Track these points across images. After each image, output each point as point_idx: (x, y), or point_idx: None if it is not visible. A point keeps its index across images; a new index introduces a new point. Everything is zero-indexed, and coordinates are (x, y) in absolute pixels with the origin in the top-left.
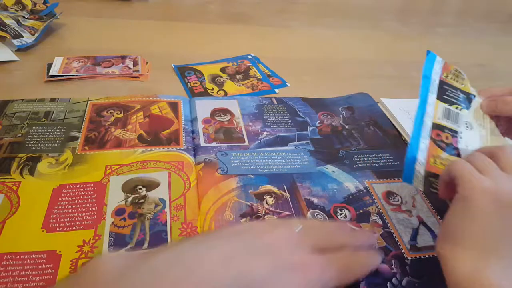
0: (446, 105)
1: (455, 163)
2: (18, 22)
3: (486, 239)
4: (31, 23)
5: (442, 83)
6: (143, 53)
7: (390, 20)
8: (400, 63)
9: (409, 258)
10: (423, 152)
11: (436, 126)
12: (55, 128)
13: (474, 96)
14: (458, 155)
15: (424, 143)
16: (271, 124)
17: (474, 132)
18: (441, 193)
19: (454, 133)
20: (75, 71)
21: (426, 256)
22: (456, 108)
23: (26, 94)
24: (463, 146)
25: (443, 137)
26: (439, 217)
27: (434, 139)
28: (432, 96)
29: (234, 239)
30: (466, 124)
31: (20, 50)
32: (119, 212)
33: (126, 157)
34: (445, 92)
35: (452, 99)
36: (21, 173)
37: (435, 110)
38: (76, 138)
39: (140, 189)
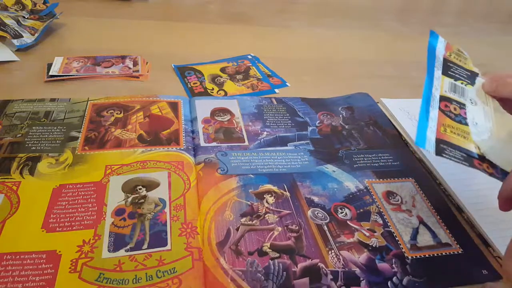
0: (451, 80)
1: None
2: (18, 22)
3: None
4: (31, 23)
5: (446, 61)
6: (143, 53)
7: (390, 20)
8: (400, 63)
9: (410, 257)
10: (433, 120)
11: (444, 98)
12: (55, 128)
13: (478, 74)
14: (466, 124)
15: (434, 113)
16: (271, 124)
17: (478, 108)
18: (502, 207)
19: (461, 105)
20: (75, 71)
21: (427, 255)
22: (462, 83)
23: (26, 94)
24: (470, 118)
25: (451, 108)
26: (438, 216)
27: (442, 110)
28: (438, 71)
29: None
30: (470, 100)
31: (20, 50)
32: (119, 212)
33: (126, 157)
34: (449, 69)
35: (457, 75)
36: (21, 173)
37: (441, 84)
38: (76, 138)
39: (140, 189)
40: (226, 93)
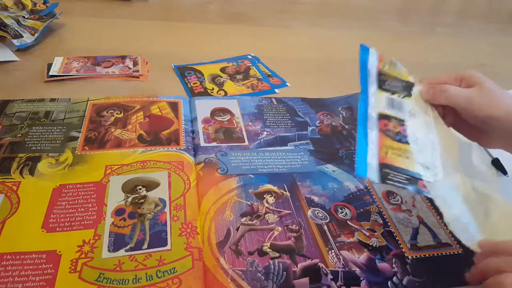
0: (388, 94)
1: (490, 263)
2: (18, 22)
3: None
4: (31, 23)
5: (379, 74)
6: (143, 53)
7: (390, 20)
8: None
9: (410, 257)
10: (373, 143)
11: (382, 116)
12: (55, 128)
13: (414, 84)
14: (407, 143)
15: (373, 135)
16: (271, 124)
17: (418, 120)
18: (471, 281)
19: (401, 121)
20: (75, 71)
21: (427, 255)
22: (399, 96)
23: (26, 94)
24: (411, 135)
25: (391, 126)
26: (439, 217)
27: (382, 130)
28: (373, 87)
29: None
30: (409, 112)
31: (20, 50)
32: (119, 212)
33: (126, 157)
34: (384, 82)
35: (393, 88)
36: (21, 173)
37: (377, 101)
38: (76, 138)
39: (140, 189)
40: (226, 93)
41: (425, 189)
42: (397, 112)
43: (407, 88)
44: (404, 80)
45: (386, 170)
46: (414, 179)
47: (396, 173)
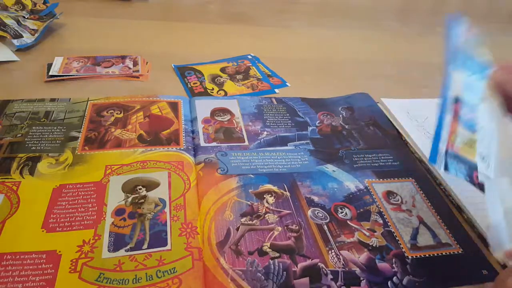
0: (466, 74)
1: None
2: (18, 22)
3: None
4: (31, 23)
5: (463, 50)
6: (143, 53)
7: (390, 20)
8: (400, 63)
9: (410, 257)
10: (445, 128)
11: (457, 99)
12: (55, 128)
13: (490, 65)
14: (475, 131)
15: (448, 118)
16: (271, 124)
17: (484, 106)
18: None
19: (473, 107)
20: (75, 71)
21: (427, 255)
22: (476, 78)
23: (26, 94)
24: (479, 122)
25: (464, 111)
26: (439, 217)
27: (455, 114)
28: (454, 65)
29: None
30: (480, 97)
31: (20, 50)
32: (119, 212)
33: (126, 157)
34: (466, 60)
35: (472, 68)
36: (21, 173)
37: (456, 81)
38: (76, 138)
39: (140, 189)
40: (226, 93)
41: (477, 182)
42: (472, 96)
43: (484, 69)
44: (483, 61)
45: (450, 159)
46: (471, 171)
47: (458, 162)
